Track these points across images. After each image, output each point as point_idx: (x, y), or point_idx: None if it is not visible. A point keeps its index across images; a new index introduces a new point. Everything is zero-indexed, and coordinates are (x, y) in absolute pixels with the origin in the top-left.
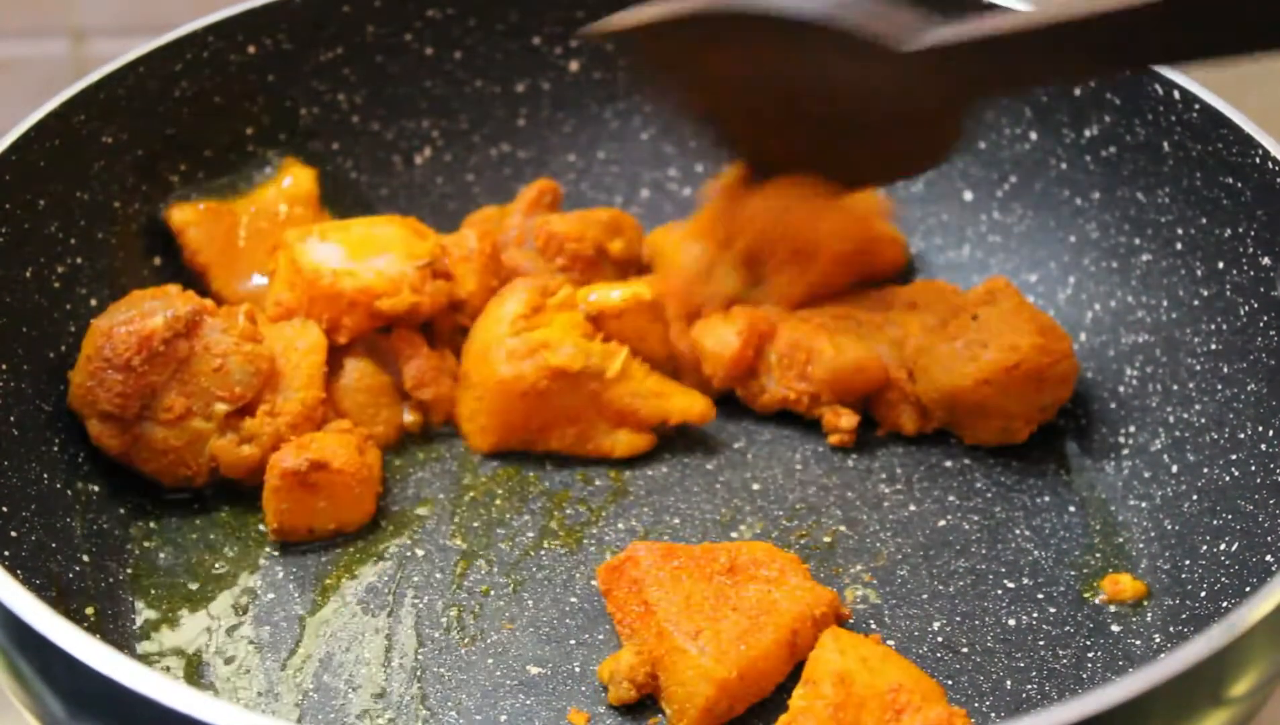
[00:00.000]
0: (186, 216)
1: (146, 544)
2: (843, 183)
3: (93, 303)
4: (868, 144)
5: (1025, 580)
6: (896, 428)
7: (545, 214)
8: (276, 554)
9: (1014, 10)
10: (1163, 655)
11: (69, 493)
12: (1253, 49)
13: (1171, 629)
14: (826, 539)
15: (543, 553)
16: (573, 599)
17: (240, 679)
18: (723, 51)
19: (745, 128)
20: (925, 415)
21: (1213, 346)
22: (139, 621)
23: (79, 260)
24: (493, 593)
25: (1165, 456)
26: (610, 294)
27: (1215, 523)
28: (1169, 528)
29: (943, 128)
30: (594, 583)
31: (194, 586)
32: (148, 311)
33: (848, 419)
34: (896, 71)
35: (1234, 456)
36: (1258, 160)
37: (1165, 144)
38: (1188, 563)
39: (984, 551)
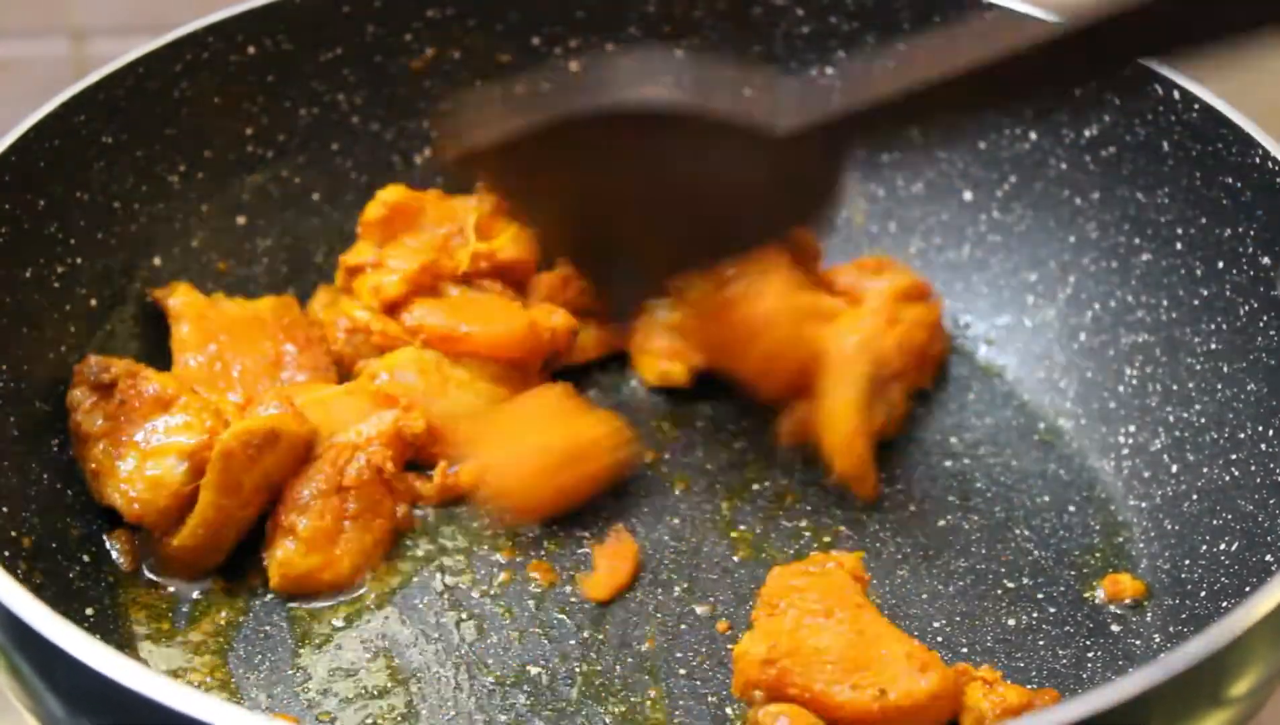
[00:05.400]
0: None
1: None
2: (715, 257)
3: (92, 303)
4: (739, 217)
5: (1025, 580)
6: None
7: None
8: None
9: (875, 71)
10: (1163, 655)
11: (69, 493)
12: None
13: (1171, 629)
14: (826, 538)
15: (542, 553)
16: (573, 599)
17: (249, 673)
18: (582, 157)
19: (610, 232)
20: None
21: (1213, 346)
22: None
23: (79, 260)
24: (491, 597)
25: (1165, 456)
26: None
27: (1215, 523)
28: (1169, 528)
29: (815, 188)
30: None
31: None
32: None
33: None
34: (769, 151)
35: (1234, 456)
36: (1258, 160)
37: (1165, 144)
38: (1188, 563)
39: (984, 551)
